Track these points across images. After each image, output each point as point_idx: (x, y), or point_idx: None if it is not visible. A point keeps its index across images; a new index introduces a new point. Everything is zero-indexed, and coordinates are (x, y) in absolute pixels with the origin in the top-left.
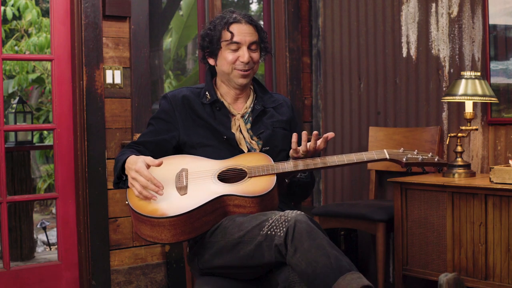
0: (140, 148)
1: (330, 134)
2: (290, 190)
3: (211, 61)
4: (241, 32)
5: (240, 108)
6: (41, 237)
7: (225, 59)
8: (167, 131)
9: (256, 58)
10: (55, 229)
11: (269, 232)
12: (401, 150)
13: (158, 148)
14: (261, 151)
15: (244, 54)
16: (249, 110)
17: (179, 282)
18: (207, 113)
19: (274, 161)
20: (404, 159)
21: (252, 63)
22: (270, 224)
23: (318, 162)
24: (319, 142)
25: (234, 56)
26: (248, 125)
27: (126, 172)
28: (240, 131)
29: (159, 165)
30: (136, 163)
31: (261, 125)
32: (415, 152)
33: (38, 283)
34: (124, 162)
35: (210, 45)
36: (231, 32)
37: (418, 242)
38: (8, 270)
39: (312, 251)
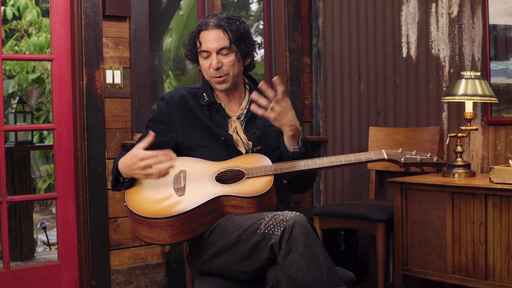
0: None
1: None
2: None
3: (199, 67)
4: (208, 39)
5: (235, 109)
6: (41, 237)
7: (202, 67)
8: (165, 133)
9: (228, 63)
10: (55, 229)
11: (266, 231)
12: (400, 150)
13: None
14: (253, 151)
15: (213, 61)
16: (245, 111)
17: (179, 282)
18: (204, 115)
19: (269, 160)
20: (403, 159)
21: (226, 68)
22: (267, 222)
23: (316, 162)
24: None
25: (208, 64)
26: (243, 126)
27: (127, 172)
28: (237, 132)
29: (152, 140)
30: (129, 156)
31: (253, 126)
32: (413, 152)
33: (38, 283)
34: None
35: (190, 54)
36: (200, 41)
37: (418, 242)
38: (8, 270)
39: (306, 258)
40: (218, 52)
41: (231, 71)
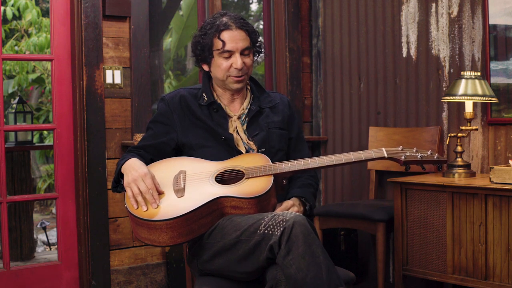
0: (141, 152)
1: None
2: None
3: (205, 67)
4: (233, 39)
5: (236, 109)
6: (41, 237)
7: (219, 66)
8: (166, 133)
9: (249, 63)
10: (55, 229)
11: (266, 231)
12: (400, 148)
13: (158, 151)
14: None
15: (237, 61)
16: (246, 111)
17: (179, 282)
18: (204, 115)
19: (271, 162)
20: (403, 157)
21: (246, 68)
22: (267, 222)
23: (316, 161)
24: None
25: (228, 64)
26: (244, 126)
27: (124, 172)
28: (237, 132)
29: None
30: (142, 168)
31: (256, 126)
32: (414, 150)
33: (38, 283)
34: (122, 166)
35: (202, 53)
36: (222, 41)
37: (418, 242)
38: (8, 270)
39: (306, 257)
40: (242, 52)
41: (249, 71)
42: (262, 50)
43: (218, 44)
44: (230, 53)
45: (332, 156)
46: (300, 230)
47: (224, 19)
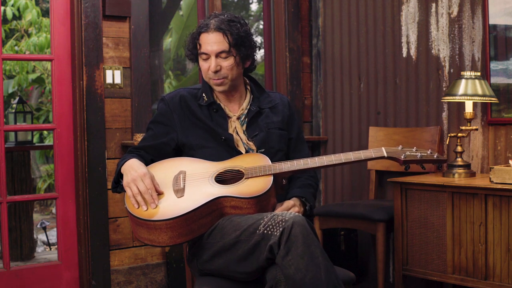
0: (141, 153)
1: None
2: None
3: (199, 66)
4: (207, 42)
5: (236, 109)
6: (41, 237)
7: (201, 67)
8: (166, 134)
9: (227, 66)
10: (55, 229)
11: (265, 232)
12: (400, 147)
13: (158, 152)
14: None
15: (211, 64)
16: (245, 111)
17: (179, 282)
18: (204, 115)
19: (271, 162)
20: (403, 157)
21: (224, 71)
22: (266, 223)
23: (316, 161)
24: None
25: (206, 66)
26: (244, 127)
27: (124, 172)
28: (237, 132)
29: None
30: (141, 169)
31: (256, 127)
32: (413, 149)
33: (38, 283)
34: (122, 166)
35: (190, 54)
36: (199, 43)
37: (418, 242)
38: (8, 270)
39: (305, 258)
40: (217, 55)
41: (229, 74)
42: (253, 52)
43: (197, 46)
44: (207, 56)
45: (331, 156)
46: (299, 230)
47: (210, 20)
